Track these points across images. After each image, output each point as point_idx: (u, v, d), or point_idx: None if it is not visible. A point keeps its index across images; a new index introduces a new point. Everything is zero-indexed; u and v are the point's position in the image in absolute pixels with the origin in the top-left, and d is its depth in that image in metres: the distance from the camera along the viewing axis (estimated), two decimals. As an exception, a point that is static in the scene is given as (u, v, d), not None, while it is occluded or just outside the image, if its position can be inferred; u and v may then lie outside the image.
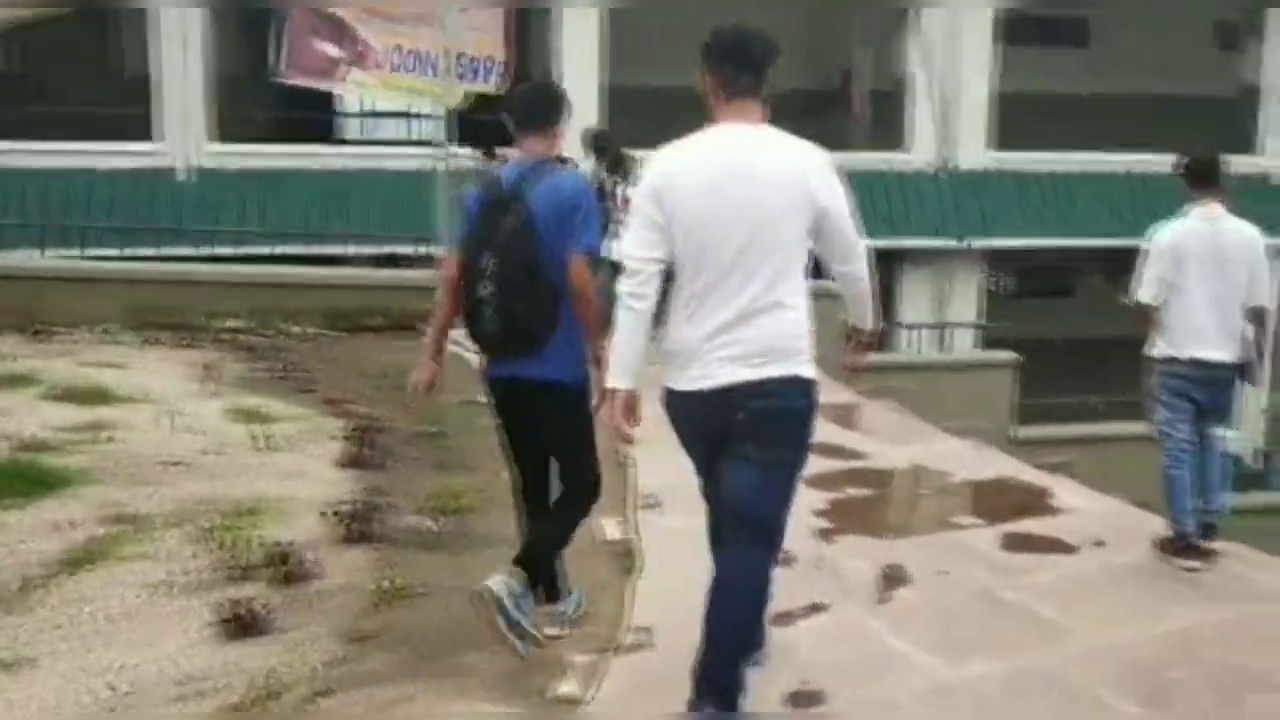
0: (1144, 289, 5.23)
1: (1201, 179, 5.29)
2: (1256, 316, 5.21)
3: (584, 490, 4.16)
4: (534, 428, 4.09)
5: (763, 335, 3.34)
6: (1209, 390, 5.20)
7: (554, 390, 3.95)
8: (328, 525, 5.53)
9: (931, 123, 16.45)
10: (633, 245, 3.45)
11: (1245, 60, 17.86)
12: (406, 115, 15.44)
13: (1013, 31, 17.23)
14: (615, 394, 3.48)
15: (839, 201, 3.46)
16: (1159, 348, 5.24)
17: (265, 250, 13.47)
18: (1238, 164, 16.72)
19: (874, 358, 12.71)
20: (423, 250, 13.87)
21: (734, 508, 3.38)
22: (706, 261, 3.35)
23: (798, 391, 3.38)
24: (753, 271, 3.33)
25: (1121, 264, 17.34)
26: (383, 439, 7.24)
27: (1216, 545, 5.16)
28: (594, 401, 3.90)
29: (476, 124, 15.80)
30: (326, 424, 7.58)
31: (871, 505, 6.01)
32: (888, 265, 16.55)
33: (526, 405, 4.04)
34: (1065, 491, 6.23)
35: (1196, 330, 5.12)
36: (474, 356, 4.27)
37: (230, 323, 11.20)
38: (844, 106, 18.08)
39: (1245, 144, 17.67)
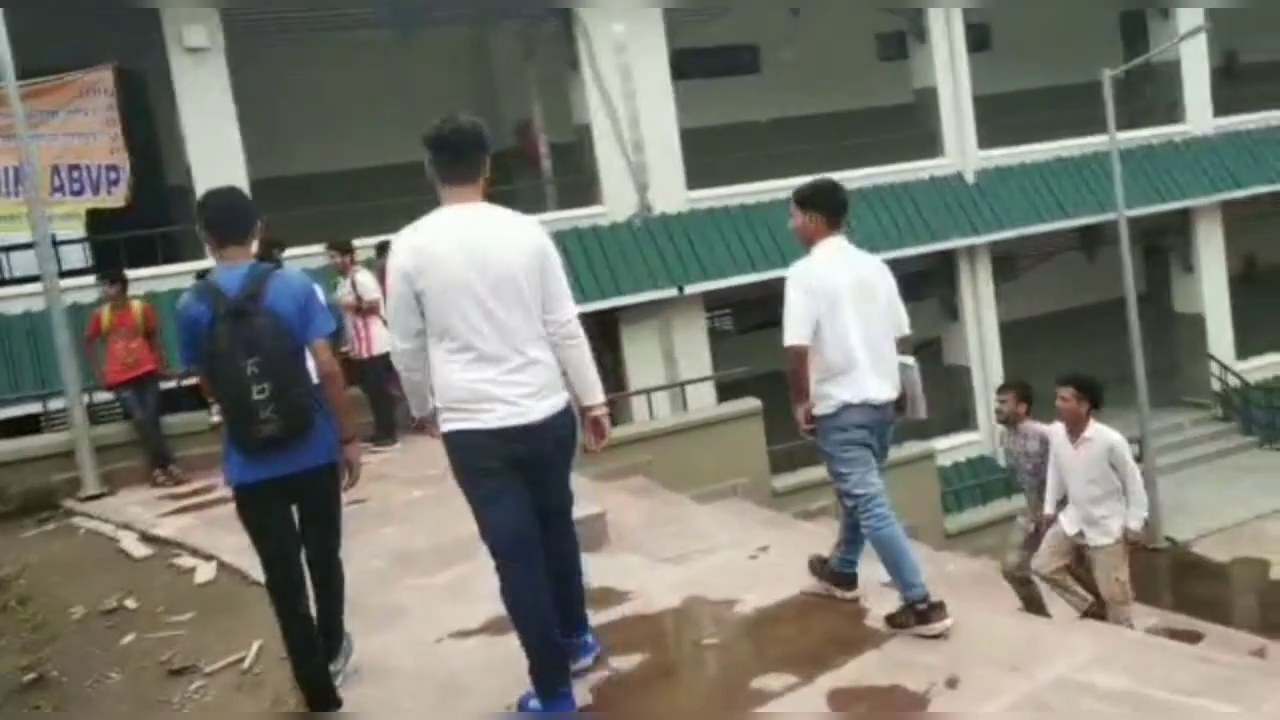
0: (796, 329, 4.70)
1: (841, 209, 4.90)
2: (905, 345, 4.96)
3: (337, 558, 4.61)
4: (311, 516, 4.43)
5: (540, 374, 3.99)
6: (879, 433, 4.82)
7: (326, 472, 4.35)
8: None
9: (623, 170, 15.36)
10: (400, 323, 4.01)
11: (914, 65, 17.79)
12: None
13: (685, 66, 16.46)
14: (423, 420, 4.24)
15: (556, 260, 4.11)
16: (826, 401, 4.74)
17: None
18: (931, 167, 16.84)
19: (614, 432, 11.55)
20: (53, 406, 11.47)
21: (558, 507, 4.27)
22: (469, 319, 3.91)
23: (571, 413, 4.14)
24: (510, 321, 3.95)
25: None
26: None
27: None
28: (345, 481, 4.47)
29: (101, 246, 13.59)
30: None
31: (645, 683, 4.42)
32: (606, 328, 15.28)
33: (296, 495, 4.33)
34: (880, 599, 4.86)
35: (861, 371, 4.74)
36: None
37: None
38: (528, 164, 16.77)
39: (933, 147, 17.55)
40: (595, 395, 4.19)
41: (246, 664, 5.14)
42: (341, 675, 4.60)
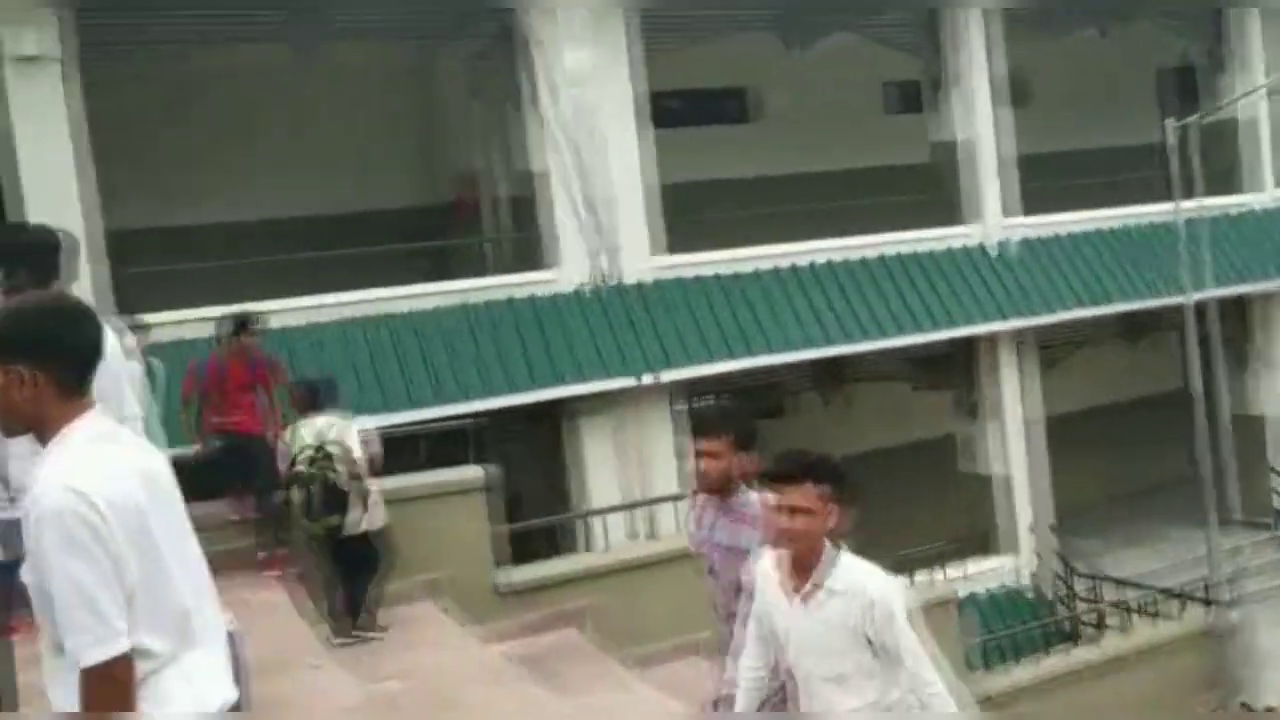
0: (108, 624, 2.35)
1: (94, 354, 2.60)
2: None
3: None
4: None
5: None
6: None
7: None
8: None
9: (580, 229, 12.51)
10: None
11: (934, 118, 15.04)
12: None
13: (660, 110, 13.74)
14: None
15: (124, 363, 4.23)
16: None
17: None
18: (950, 237, 14.07)
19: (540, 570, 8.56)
20: None
21: None
22: None
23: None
24: None
25: (834, 373, 13.73)
26: None
27: None
28: None
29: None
30: None
31: None
32: (551, 426, 12.33)
33: None
34: None
35: (203, 652, 2.59)
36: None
37: None
38: (467, 220, 13.94)
39: (952, 213, 14.75)
40: None
41: None
42: None
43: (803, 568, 3.56)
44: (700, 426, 4.35)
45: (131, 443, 2.65)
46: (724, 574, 4.27)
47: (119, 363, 4.37)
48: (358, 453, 7.23)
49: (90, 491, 2.36)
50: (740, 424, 4.28)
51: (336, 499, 7.03)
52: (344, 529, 7.08)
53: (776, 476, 3.57)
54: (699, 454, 4.27)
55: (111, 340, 4.31)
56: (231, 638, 2.76)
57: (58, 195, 10.29)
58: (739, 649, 4.01)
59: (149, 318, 8.46)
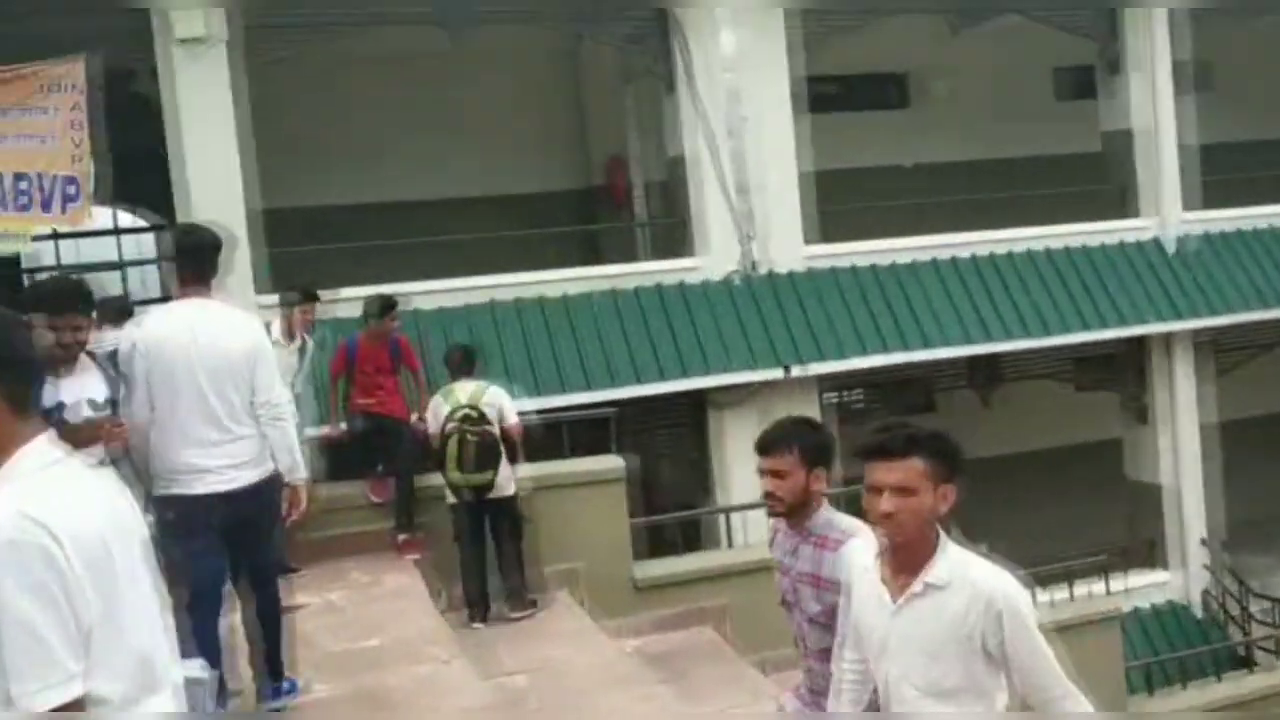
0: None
1: None
2: None
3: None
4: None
5: (246, 448, 4.74)
6: None
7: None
8: None
9: (730, 216, 12.19)
10: (139, 398, 4.69)
11: (1108, 104, 14.18)
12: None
13: (813, 95, 13.29)
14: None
15: (268, 351, 4.95)
16: None
17: None
18: (1121, 230, 13.25)
19: (677, 565, 8.90)
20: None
21: (259, 565, 5.02)
22: (183, 400, 4.63)
23: (275, 482, 4.92)
24: (221, 403, 4.67)
25: (990, 370, 13.13)
26: None
27: None
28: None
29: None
30: None
31: None
32: (694, 416, 12.10)
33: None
34: None
35: None
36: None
37: None
38: (614, 203, 13.81)
39: (1124, 204, 13.92)
40: (293, 472, 4.91)
41: None
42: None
43: (907, 558, 3.01)
44: (763, 442, 3.81)
45: (90, 470, 2.36)
46: (806, 605, 3.76)
47: (250, 349, 4.78)
48: (510, 419, 7.46)
49: (50, 521, 2.08)
50: (809, 436, 3.79)
51: (490, 455, 7.13)
52: (494, 488, 7.18)
53: (877, 451, 3.01)
54: (762, 473, 3.77)
55: (254, 328, 4.92)
56: (200, 683, 2.78)
57: (221, 175, 10.54)
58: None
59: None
